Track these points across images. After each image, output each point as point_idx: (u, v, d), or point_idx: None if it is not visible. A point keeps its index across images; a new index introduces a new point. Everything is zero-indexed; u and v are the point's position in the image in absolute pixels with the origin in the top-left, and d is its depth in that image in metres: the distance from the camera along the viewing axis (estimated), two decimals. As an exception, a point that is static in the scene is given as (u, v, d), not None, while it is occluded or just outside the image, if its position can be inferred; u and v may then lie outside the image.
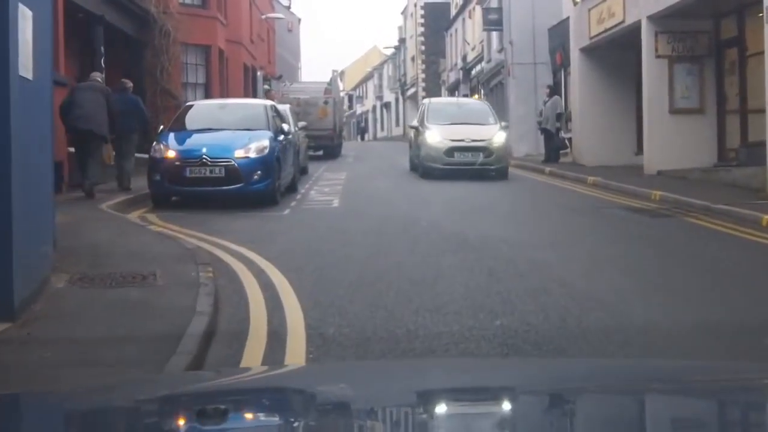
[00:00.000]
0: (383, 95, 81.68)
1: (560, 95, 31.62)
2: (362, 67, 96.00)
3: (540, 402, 2.38)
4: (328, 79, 35.00)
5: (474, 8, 44.54)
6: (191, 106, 17.03)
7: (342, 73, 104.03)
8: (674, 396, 2.41)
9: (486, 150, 20.07)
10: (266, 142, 14.93)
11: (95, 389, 2.79)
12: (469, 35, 46.94)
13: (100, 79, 16.04)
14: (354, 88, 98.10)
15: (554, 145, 24.75)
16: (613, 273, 8.87)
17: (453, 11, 53.75)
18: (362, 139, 74.50)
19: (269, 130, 15.53)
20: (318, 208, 15.12)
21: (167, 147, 14.75)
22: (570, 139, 24.84)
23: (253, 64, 40.97)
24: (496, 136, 20.51)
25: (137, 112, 16.38)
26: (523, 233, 11.79)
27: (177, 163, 14.49)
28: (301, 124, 21.74)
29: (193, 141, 14.97)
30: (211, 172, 14.39)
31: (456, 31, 51.72)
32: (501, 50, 34.62)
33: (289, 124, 17.73)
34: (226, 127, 15.43)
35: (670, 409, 2.28)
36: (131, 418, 2.25)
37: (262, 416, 2.28)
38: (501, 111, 34.57)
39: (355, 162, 30.95)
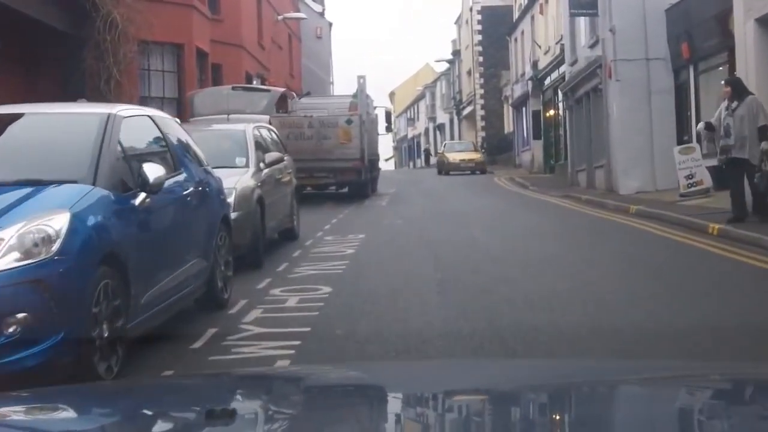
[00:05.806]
0: (436, 116, 74.72)
1: (689, 104, 21.53)
2: (413, 86, 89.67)
3: (544, 402, 2.41)
4: (353, 91, 24.99)
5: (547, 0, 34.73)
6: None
7: (392, 94, 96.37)
8: (674, 396, 2.44)
9: None
10: (62, 220, 5.12)
11: (100, 388, 2.78)
12: (540, 36, 37.30)
13: None
14: (405, 110, 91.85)
15: (759, 187, 12.65)
16: None
17: (516, 13, 43.96)
18: (427, 163, 66.90)
19: (93, 182, 5.73)
20: None
21: None
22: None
23: (263, 75, 31.40)
24: None
25: None
26: None
27: None
28: (271, 156, 11.82)
29: None
30: None
31: (522, 33, 42.23)
32: (594, 44, 24.78)
33: (192, 159, 7.64)
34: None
35: (671, 410, 2.29)
36: (138, 418, 2.25)
37: (267, 416, 2.27)
38: (597, 128, 24.76)
39: (388, 207, 21.21)
